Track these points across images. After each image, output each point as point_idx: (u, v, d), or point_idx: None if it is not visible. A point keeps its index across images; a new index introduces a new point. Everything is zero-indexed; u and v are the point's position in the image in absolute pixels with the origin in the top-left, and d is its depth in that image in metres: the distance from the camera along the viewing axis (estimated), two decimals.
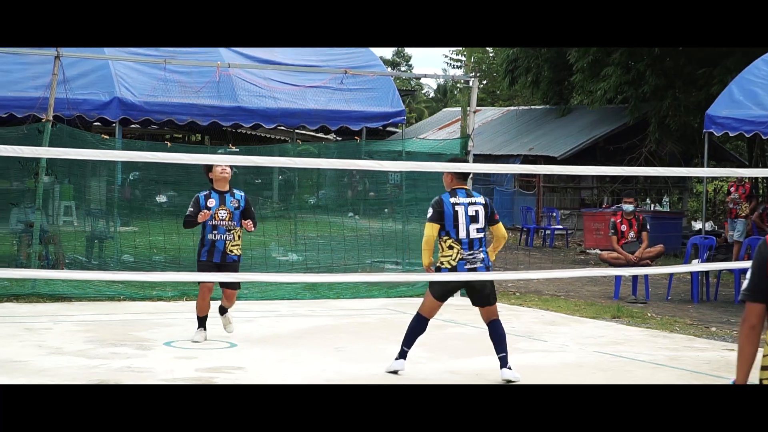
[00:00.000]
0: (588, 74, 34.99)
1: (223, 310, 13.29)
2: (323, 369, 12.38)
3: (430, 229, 11.21)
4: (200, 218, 12.40)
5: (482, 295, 11.75)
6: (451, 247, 11.04)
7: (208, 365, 12.39)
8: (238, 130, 26.72)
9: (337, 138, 26.64)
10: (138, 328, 14.91)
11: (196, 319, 13.32)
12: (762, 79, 20.44)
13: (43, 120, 18.00)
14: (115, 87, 23.06)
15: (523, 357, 13.78)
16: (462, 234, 11.01)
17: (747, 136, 21.32)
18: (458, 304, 18.33)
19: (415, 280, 18.81)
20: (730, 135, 21.14)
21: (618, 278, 20.11)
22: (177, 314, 16.17)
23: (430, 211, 11.17)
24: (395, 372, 11.76)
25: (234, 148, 22.58)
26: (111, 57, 23.13)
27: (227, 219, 12.28)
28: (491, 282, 11.85)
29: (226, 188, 12.49)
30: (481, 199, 11.19)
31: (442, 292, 11.62)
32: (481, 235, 11.17)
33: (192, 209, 12.56)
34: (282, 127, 26.57)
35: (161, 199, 21.68)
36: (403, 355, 11.80)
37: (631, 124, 35.13)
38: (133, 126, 25.69)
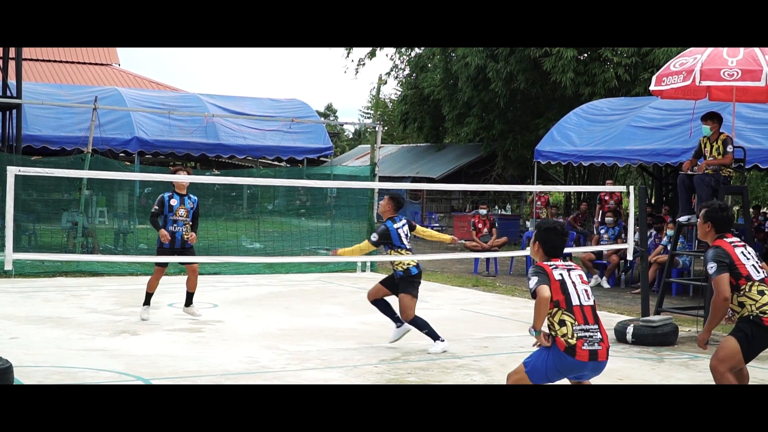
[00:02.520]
0: (455, 122, 35.09)
1: (188, 302, 12.32)
2: (278, 321, 12.31)
3: (372, 246, 10.49)
4: (162, 239, 11.90)
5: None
6: (399, 255, 10.49)
7: (199, 319, 12.26)
8: (219, 159, 26.58)
9: (287, 164, 26.47)
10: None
11: (144, 296, 12.24)
12: (573, 126, 20.59)
13: (85, 152, 17.97)
14: (134, 129, 23.22)
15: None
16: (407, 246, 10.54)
17: (563, 164, 21.45)
18: (369, 277, 18.35)
19: (337, 261, 18.81)
20: (552, 163, 21.25)
21: (476, 260, 20.17)
22: (177, 285, 15.99)
23: (376, 236, 10.38)
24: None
25: (216, 172, 22.43)
26: (132, 109, 23.07)
27: (185, 216, 12.02)
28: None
29: (185, 192, 12.23)
30: (404, 221, 10.81)
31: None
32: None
33: (157, 207, 12.09)
34: (249, 157, 26.53)
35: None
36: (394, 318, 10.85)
37: (485, 155, 35.23)
38: (147, 156, 25.45)
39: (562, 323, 6.06)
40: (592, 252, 18.24)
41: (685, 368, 9.84)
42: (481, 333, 12.02)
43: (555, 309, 6.09)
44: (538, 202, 25.49)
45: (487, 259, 20.07)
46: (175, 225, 11.90)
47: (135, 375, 8.79)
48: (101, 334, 10.99)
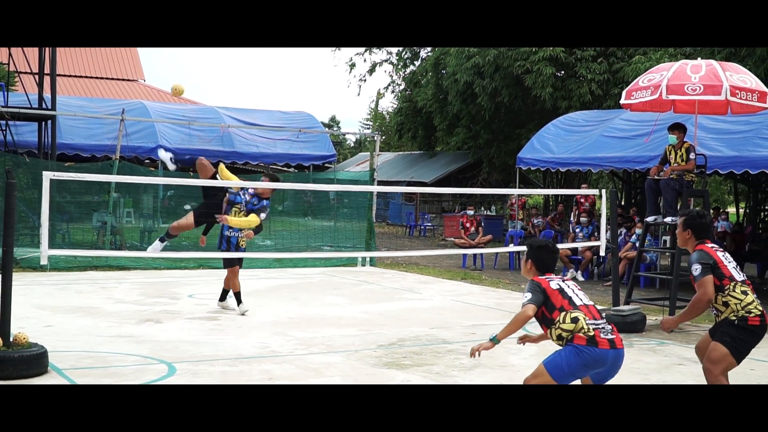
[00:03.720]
0: (446, 132, 35.12)
1: (222, 298, 12.16)
2: (286, 310, 12.27)
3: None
4: (220, 220, 11.50)
5: None
6: None
7: (214, 309, 12.24)
8: (235, 166, 26.50)
9: (295, 170, 26.45)
10: (171, 286, 14.73)
11: (235, 297, 11.99)
12: (552, 135, 20.55)
13: (113, 159, 17.95)
14: (158, 139, 23.14)
15: (408, 303, 13.80)
16: None
17: (542, 169, 21.43)
18: (368, 271, 18.33)
19: (340, 257, 18.77)
20: (532, 169, 21.24)
21: (465, 255, 20.14)
22: (196, 278, 16.03)
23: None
24: None
25: None
26: (155, 120, 23.03)
27: (239, 210, 11.77)
28: None
29: (268, 196, 11.83)
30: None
31: None
32: None
33: (228, 196, 11.67)
34: (261, 164, 26.46)
35: (186, 207, 21.47)
36: None
37: (472, 162, 35.29)
38: None
39: (575, 320, 5.70)
40: (568, 248, 18.27)
41: (653, 353, 9.83)
42: (469, 321, 12.00)
43: (562, 314, 5.75)
44: (515, 205, 25.72)
45: (474, 255, 20.06)
46: (231, 230, 11.66)
47: (159, 359, 8.77)
48: (128, 322, 10.96)
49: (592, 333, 5.66)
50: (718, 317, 6.52)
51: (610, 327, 5.79)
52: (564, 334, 5.73)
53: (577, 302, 5.82)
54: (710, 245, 6.70)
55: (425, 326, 11.43)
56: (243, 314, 11.71)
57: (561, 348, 5.76)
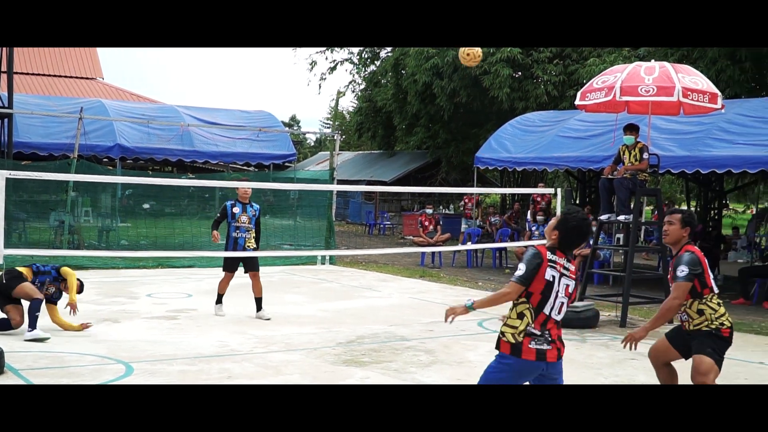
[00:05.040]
0: (405, 131, 35.19)
1: (258, 307, 11.72)
2: (246, 309, 12.20)
3: None
4: (212, 239, 11.77)
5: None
6: None
7: (174, 308, 12.17)
8: (195, 164, 26.34)
9: (255, 169, 26.33)
10: (130, 285, 14.59)
11: (216, 297, 11.87)
12: (509, 135, 20.67)
13: (71, 157, 17.77)
14: (117, 137, 22.96)
15: (367, 301, 13.82)
16: None
17: (500, 169, 21.54)
18: (328, 269, 18.30)
19: (300, 255, 18.72)
20: (490, 168, 21.34)
21: (423, 253, 20.19)
22: (155, 277, 15.89)
23: None
24: None
25: (191, 176, 22.22)
26: (114, 119, 22.81)
27: (247, 222, 11.69)
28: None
29: (247, 201, 11.87)
30: None
31: None
32: None
33: (219, 214, 11.80)
34: (221, 163, 26.33)
35: (145, 206, 21.32)
36: None
37: (431, 161, 35.36)
38: (128, 161, 25.16)
39: (521, 315, 5.16)
40: (524, 246, 18.37)
41: (606, 348, 9.91)
42: (427, 318, 12.02)
43: (524, 300, 5.17)
44: (469, 203, 25.87)
45: (433, 253, 20.10)
46: (237, 231, 11.56)
47: (116, 359, 8.69)
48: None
49: (521, 339, 5.13)
50: (687, 324, 6.55)
51: (551, 339, 5.19)
52: (506, 318, 5.28)
53: (545, 309, 5.17)
54: (698, 249, 6.68)
55: (384, 324, 11.43)
56: (218, 314, 11.68)
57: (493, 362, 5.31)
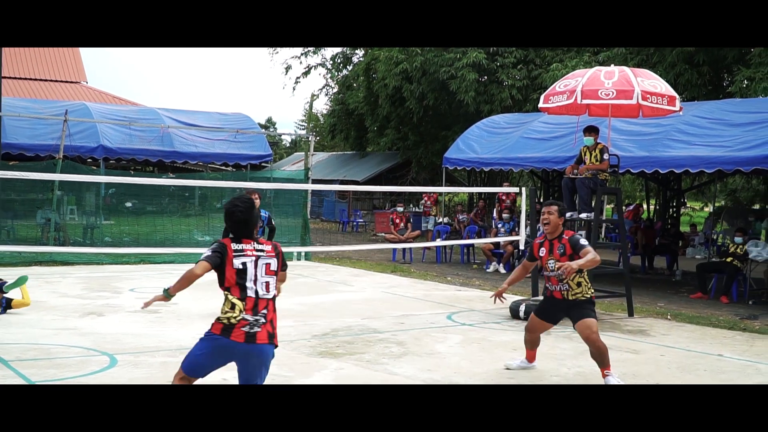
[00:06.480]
0: (376, 133, 35.19)
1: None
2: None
3: None
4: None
5: None
6: None
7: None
8: (174, 165, 26.16)
9: (233, 169, 26.21)
10: (113, 280, 14.48)
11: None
12: (476, 137, 20.71)
13: (57, 158, 17.62)
14: (100, 139, 22.78)
15: (341, 295, 13.79)
16: None
17: (467, 169, 21.58)
18: (304, 264, 18.26)
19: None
20: (458, 168, 21.37)
21: (394, 249, 20.19)
22: (137, 272, 15.78)
23: None
24: None
25: (172, 175, 22.07)
26: (97, 121, 22.63)
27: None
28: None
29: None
30: None
31: None
32: None
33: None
34: (200, 163, 26.19)
35: (128, 204, 21.16)
36: None
37: (401, 161, 35.40)
38: (111, 161, 24.95)
39: (232, 306, 5.21)
40: (491, 242, 18.43)
41: (569, 340, 9.95)
42: (398, 311, 12.02)
43: (227, 292, 5.27)
44: (428, 201, 25.96)
45: (404, 249, 20.13)
46: None
47: (101, 350, 8.61)
48: (71, 315, 10.75)
49: (235, 323, 5.17)
50: (566, 293, 7.73)
51: (263, 321, 5.21)
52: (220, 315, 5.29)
53: (249, 293, 5.21)
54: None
55: (357, 317, 11.42)
56: None
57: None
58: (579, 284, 7.70)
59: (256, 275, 5.24)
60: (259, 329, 5.18)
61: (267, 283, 5.28)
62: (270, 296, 5.29)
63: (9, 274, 14.47)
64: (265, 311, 5.23)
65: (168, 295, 5.43)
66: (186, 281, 5.33)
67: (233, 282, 5.23)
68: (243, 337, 5.15)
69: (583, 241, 7.68)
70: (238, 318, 5.17)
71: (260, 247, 5.33)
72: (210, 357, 5.30)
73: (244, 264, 5.22)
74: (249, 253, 5.26)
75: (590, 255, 7.44)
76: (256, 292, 5.22)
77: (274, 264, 5.33)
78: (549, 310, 8.00)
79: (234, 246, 5.26)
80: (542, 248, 7.91)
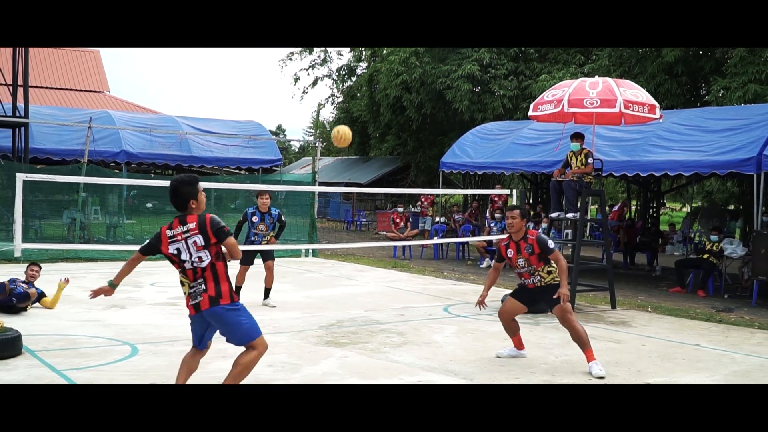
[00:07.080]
0: (378, 139, 35.22)
1: (266, 296, 11.67)
2: (242, 296, 12.09)
3: None
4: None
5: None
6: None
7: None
8: (192, 168, 26.14)
9: (246, 172, 26.20)
10: (135, 276, 14.45)
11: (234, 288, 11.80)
12: (470, 143, 20.71)
13: (81, 162, 17.61)
14: (122, 144, 22.73)
15: (346, 289, 13.78)
16: None
17: (462, 172, 21.58)
18: (311, 261, 18.26)
19: (286, 249, 18.63)
20: (453, 172, 21.36)
21: (395, 247, 20.19)
22: (158, 268, 15.76)
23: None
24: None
25: None
26: (120, 128, 22.63)
27: (264, 230, 11.55)
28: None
29: (266, 210, 11.61)
30: None
31: None
32: None
33: (241, 219, 11.62)
34: (216, 167, 26.16)
35: (148, 205, 21.17)
36: None
37: (401, 165, 35.41)
38: (132, 166, 24.95)
39: (182, 283, 5.70)
40: (484, 240, 18.43)
41: (556, 330, 9.94)
42: (398, 304, 12.03)
43: (180, 274, 5.66)
44: (425, 203, 25.93)
45: (404, 247, 20.13)
46: (255, 236, 11.50)
47: (123, 341, 8.63)
48: (95, 308, 10.76)
49: (186, 298, 5.70)
50: (540, 282, 7.94)
51: (203, 288, 5.58)
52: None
53: (187, 266, 5.61)
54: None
55: (361, 309, 11.43)
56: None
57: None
58: (549, 272, 7.93)
59: (190, 253, 5.59)
60: (201, 298, 5.59)
61: (199, 257, 5.58)
62: (204, 265, 5.58)
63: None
64: (201, 279, 5.59)
65: (113, 285, 5.99)
66: (124, 272, 5.97)
67: (176, 264, 5.66)
68: (193, 309, 5.66)
69: (551, 244, 7.87)
70: (186, 293, 5.67)
71: (186, 227, 5.62)
72: (193, 328, 5.90)
73: (177, 249, 5.61)
74: (178, 237, 5.62)
75: (561, 263, 7.74)
76: (193, 265, 5.59)
77: (200, 240, 5.57)
78: (524, 293, 8.16)
79: (168, 233, 5.66)
80: (509, 249, 8.08)
